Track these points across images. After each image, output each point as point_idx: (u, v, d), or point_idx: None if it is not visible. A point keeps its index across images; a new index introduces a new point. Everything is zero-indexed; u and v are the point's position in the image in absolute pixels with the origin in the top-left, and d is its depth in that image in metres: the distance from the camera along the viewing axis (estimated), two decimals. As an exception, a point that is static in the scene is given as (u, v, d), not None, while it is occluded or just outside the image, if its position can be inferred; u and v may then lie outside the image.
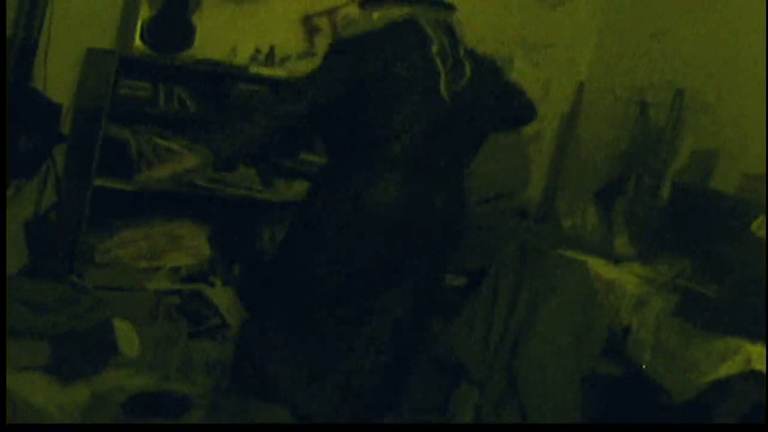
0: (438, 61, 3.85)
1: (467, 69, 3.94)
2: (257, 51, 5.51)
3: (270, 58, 5.47)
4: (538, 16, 6.29)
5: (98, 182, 4.90)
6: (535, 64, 6.32)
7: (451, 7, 4.05)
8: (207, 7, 5.30)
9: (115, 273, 4.82)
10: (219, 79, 5.31)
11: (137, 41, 5.03)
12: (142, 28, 5.02)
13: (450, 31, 3.97)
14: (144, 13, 5.03)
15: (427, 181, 3.86)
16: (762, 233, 4.15)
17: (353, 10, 4.01)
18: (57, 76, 5.12)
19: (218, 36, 5.46)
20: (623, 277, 4.31)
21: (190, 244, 5.03)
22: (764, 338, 3.75)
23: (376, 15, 3.90)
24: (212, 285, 4.95)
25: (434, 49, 3.85)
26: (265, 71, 5.33)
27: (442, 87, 3.84)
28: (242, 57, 5.49)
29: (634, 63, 5.96)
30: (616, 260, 4.53)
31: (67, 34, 5.12)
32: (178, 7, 5.09)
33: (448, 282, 4.95)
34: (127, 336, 4.40)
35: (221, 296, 4.86)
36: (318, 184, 4.00)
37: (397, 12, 3.87)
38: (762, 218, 4.18)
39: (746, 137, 5.07)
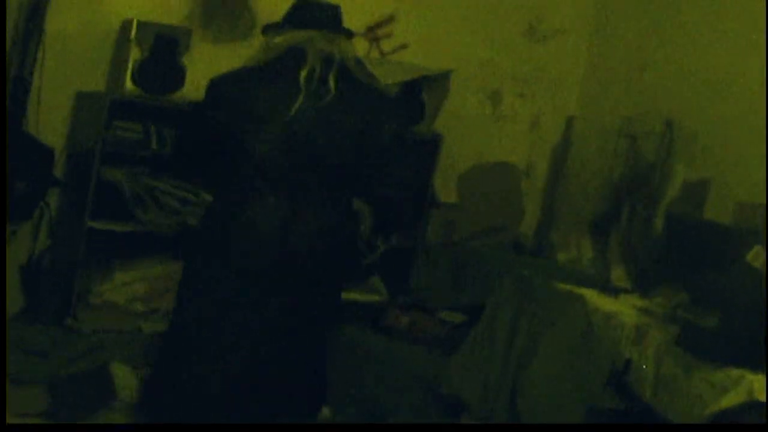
0: (302, 84, 3.89)
1: (331, 87, 3.93)
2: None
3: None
4: (525, 51, 6.33)
5: (93, 224, 4.90)
6: (524, 98, 6.36)
7: (348, 33, 4.09)
8: (197, 48, 5.32)
9: (112, 316, 4.81)
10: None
11: (128, 83, 5.05)
12: (133, 70, 5.04)
13: (330, 57, 3.97)
14: (135, 55, 5.05)
15: (300, 202, 3.91)
16: (758, 263, 4.16)
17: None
18: (49, 119, 5.14)
19: (209, 77, 5.45)
20: (622, 310, 4.29)
21: (186, 286, 5.01)
22: (759, 368, 3.75)
23: (276, 40, 3.97)
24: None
25: (303, 74, 3.90)
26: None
27: (293, 107, 3.87)
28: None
29: (622, 95, 6.00)
30: (614, 292, 4.52)
31: (58, 77, 5.13)
32: (168, 49, 5.11)
33: (445, 317, 4.98)
34: (124, 380, 4.37)
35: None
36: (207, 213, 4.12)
37: (295, 37, 3.94)
38: (758, 248, 4.18)
39: (738, 166, 5.10)
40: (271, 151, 3.86)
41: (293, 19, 3.99)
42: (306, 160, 3.89)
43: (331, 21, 4.02)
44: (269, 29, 4.07)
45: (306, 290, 3.94)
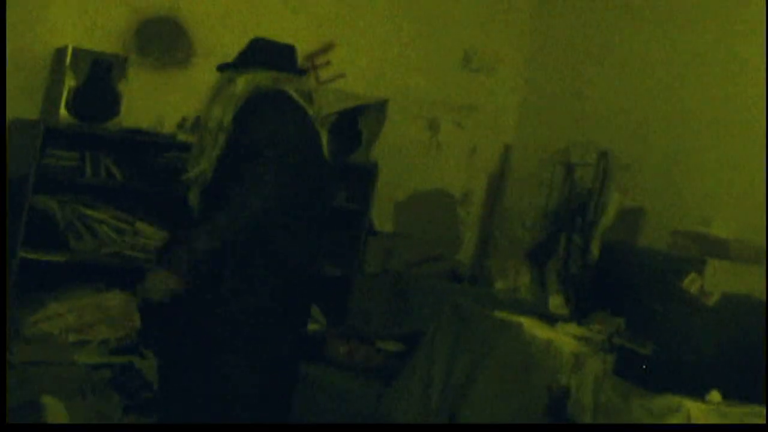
0: (317, 127, 3.99)
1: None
2: (183, 119, 5.48)
3: (196, 126, 5.44)
4: (462, 80, 6.38)
5: (24, 254, 4.81)
6: (460, 127, 6.40)
7: (303, 72, 4.17)
8: (132, 75, 5.27)
9: (44, 347, 4.71)
10: (146, 148, 5.26)
11: (63, 111, 4.99)
12: (67, 97, 4.98)
13: (310, 97, 4.06)
14: (70, 82, 4.99)
15: (314, 236, 3.99)
16: (694, 289, 4.21)
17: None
18: (-19, 147, 5.05)
19: (144, 104, 5.43)
20: (560, 338, 4.31)
21: (120, 316, 4.95)
22: (698, 393, 3.79)
23: (240, 82, 3.91)
24: (143, 357, 4.86)
25: (310, 114, 3.97)
26: (193, 139, 5.29)
27: (325, 150, 3.98)
28: (169, 125, 5.46)
29: (558, 125, 6.06)
30: (552, 320, 4.55)
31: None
32: (103, 77, 5.07)
33: (383, 346, 4.96)
34: (56, 413, 4.28)
35: (153, 368, 4.77)
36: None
37: (259, 78, 3.92)
38: (693, 274, 4.24)
39: (672, 194, 5.17)
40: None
41: (257, 59, 3.97)
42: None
43: (291, 61, 4.05)
44: (229, 66, 4.02)
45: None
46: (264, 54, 3.97)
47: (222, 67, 4.06)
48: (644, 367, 3.90)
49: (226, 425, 3.89)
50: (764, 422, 3.73)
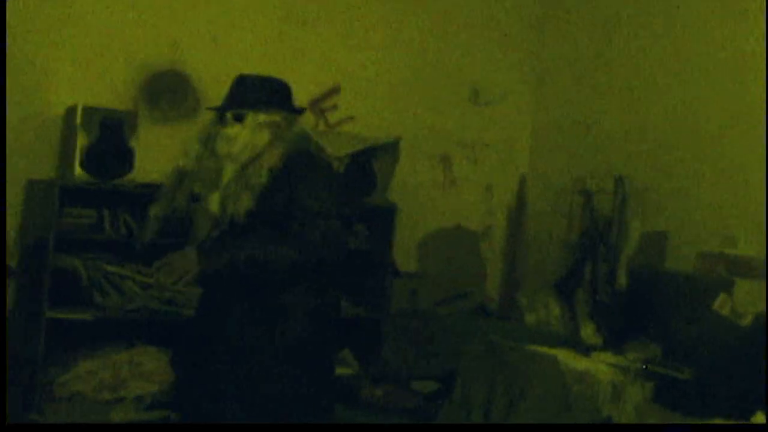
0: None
1: None
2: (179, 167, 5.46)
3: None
4: (471, 116, 6.39)
5: (51, 314, 4.79)
6: (474, 162, 6.40)
7: (302, 111, 4.03)
8: (143, 130, 5.27)
9: (77, 407, 4.67)
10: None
11: (77, 169, 4.98)
12: (81, 155, 4.97)
13: (309, 138, 4.06)
14: (82, 140, 4.99)
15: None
16: (725, 311, 4.21)
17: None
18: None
19: (156, 158, 5.40)
20: (595, 367, 4.30)
21: (152, 370, 4.91)
22: (742, 417, 3.77)
23: (264, 134, 3.81)
24: (181, 410, 4.81)
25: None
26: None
27: None
28: (184, 177, 5.45)
29: (572, 153, 6.07)
30: (586, 350, 4.53)
31: (7, 167, 5.03)
32: (114, 133, 5.07)
33: (418, 387, 4.92)
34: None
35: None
36: None
37: (284, 132, 3.84)
38: (723, 295, 4.23)
39: (694, 215, 5.16)
40: None
41: (257, 99, 3.84)
42: None
43: (288, 99, 3.94)
44: (234, 108, 3.85)
45: None
46: (262, 93, 3.84)
47: (219, 109, 3.91)
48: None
49: (226, 425, 3.82)
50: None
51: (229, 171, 3.80)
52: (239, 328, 3.75)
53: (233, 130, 3.78)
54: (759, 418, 3.77)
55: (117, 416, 4.67)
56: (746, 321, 4.14)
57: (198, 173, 3.92)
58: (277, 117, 3.80)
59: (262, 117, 3.79)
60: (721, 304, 4.25)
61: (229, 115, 3.83)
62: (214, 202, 3.83)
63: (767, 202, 4.75)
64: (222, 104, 3.89)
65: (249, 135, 3.78)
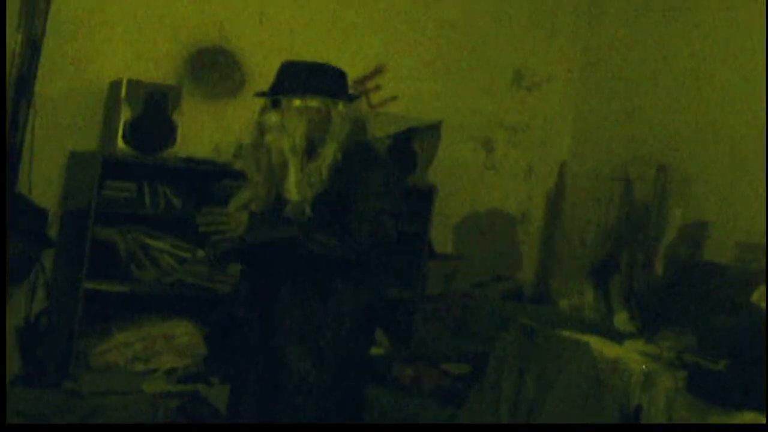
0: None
1: None
2: (240, 147, 5.50)
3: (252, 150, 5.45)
4: (514, 99, 6.36)
5: (89, 285, 4.85)
6: (515, 146, 6.37)
7: (355, 97, 4.01)
8: (188, 105, 5.32)
9: (112, 377, 4.73)
10: (203, 177, 5.29)
11: (120, 142, 5.02)
12: (124, 129, 5.01)
13: (364, 125, 4.00)
14: (125, 114, 5.03)
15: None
16: (764, 303, 4.16)
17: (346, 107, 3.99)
18: (42, 180, 5.12)
19: (199, 133, 5.48)
20: (628, 356, 4.26)
21: (186, 344, 4.96)
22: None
23: (298, 120, 3.74)
24: (210, 384, 4.86)
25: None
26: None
27: None
28: (225, 153, 5.48)
29: (613, 140, 6.01)
30: (619, 338, 4.50)
31: (50, 138, 5.12)
32: (158, 107, 5.11)
33: (449, 369, 4.93)
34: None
35: (220, 396, 4.78)
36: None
37: (331, 119, 3.76)
38: (762, 288, 4.18)
39: (735, 206, 5.11)
40: None
41: (309, 85, 3.78)
42: None
43: (342, 87, 3.88)
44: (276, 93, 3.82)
45: None
46: (299, 79, 3.77)
47: (267, 95, 3.86)
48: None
49: (226, 425, 3.90)
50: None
51: (292, 166, 3.73)
52: (284, 309, 3.75)
53: (269, 116, 3.74)
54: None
55: (148, 387, 4.73)
56: (785, 314, 4.09)
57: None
58: (314, 103, 3.72)
59: (297, 102, 3.71)
60: (760, 297, 4.20)
61: (269, 101, 3.80)
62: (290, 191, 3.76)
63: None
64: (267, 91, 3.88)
65: (283, 121, 3.71)
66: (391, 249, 3.91)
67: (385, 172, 3.79)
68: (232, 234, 3.63)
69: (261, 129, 3.78)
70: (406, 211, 5.59)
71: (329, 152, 3.71)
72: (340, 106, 3.76)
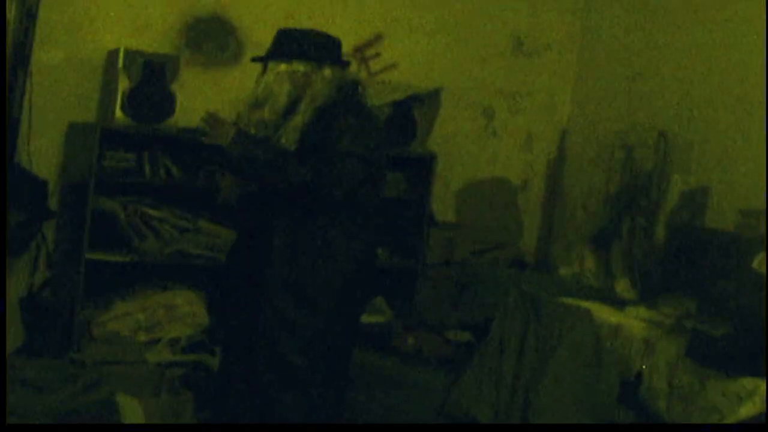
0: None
1: None
2: (238, 115, 5.48)
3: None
4: (515, 67, 6.33)
5: (90, 256, 4.86)
6: (516, 113, 6.35)
7: (347, 63, 4.34)
8: (185, 75, 5.30)
9: (114, 347, 4.74)
10: (203, 146, 5.27)
11: (118, 113, 5.00)
12: (122, 99, 4.99)
13: (357, 87, 4.26)
14: (123, 84, 5.00)
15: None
16: (764, 269, 4.15)
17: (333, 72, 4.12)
18: (41, 152, 5.11)
19: (198, 103, 5.42)
20: (629, 322, 4.28)
21: (188, 313, 4.97)
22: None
23: (284, 83, 4.04)
24: (213, 354, 4.87)
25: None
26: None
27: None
28: (224, 122, 5.46)
29: (614, 107, 5.99)
30: (620, 304, 4.51)
31: (48, 110, 5.11)
32: (156, 77, 5.08)
33: (451, 337, 4.94)
34: (132, 411, 4.31)
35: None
36: None
37: (317, 82, 4.05)
38: (763, 254, 4.17)
39: (737, 173, 5.09)
40: None
41: (299, 50, 4.07)
42: None
43: (333, 52, 4.15)
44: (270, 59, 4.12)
45: None
46: (287, 45, 4.08)
47: (262, 59, 4.15)
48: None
49: (228, 425, 4.03)
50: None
51: (267, 113, 4.07)
52: (277, 256, 3.97)
53: (260, 80, 4.11)
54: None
55: (152, 357, 4.74)
56: (786, 280, 4.09)
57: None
58: (300, 67, 4.04)
59: (283, 67, 4.04)
60: (760, 263, 4.20)
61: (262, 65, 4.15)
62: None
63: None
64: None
65: (269, 83, 4.06)
66: (384, 211, 4.21)
67: (365, 120, 4.05)
68: (217, 142, 4.01)
69: (255, 92, 4.11)
70: (406, 180, 5.68)
71: (304, 112, 4.02)
72: (326, 71, 4.07)
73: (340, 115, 3.97)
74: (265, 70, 4.10)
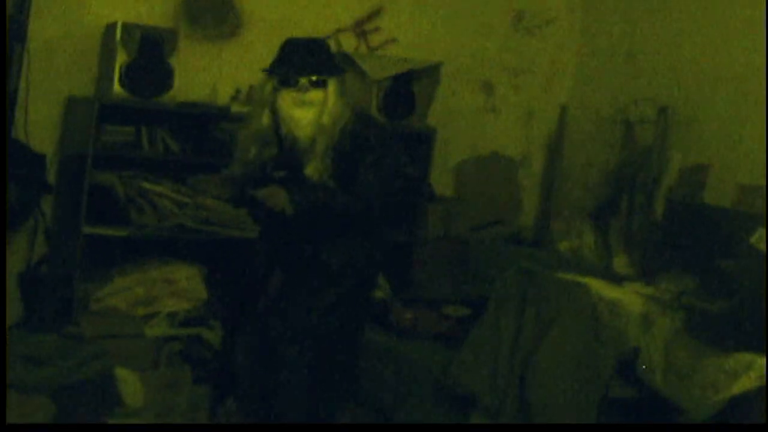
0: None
1: None
2: (237, 90, 5.48)
3: (250, 97, 5.43)
4: (515, 42, 6.31)
5: (88, 230, 4.85)
6: (516, 89, 6.34)
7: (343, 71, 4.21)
8: (184, 49, 5.25)
9: (113, 321, 4.75)
10: (201, 120, 5.27)
11: (116, 87, 4.98)
12: (120, 73, 4.97)
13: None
14: (121, 58, 4.97)
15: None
16: (762, 245, 4.15)
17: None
18: (39, 126, 5.09)
19: (197, 77, 5.43)
20: (627, 298, 4.27)
21: (186, 288, 4.97)
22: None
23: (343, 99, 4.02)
24: (211, 328, 4.88)
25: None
26: (247, 110, 5.28)
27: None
28: (222, 96, 5.46)
29: (614, 83, 5.99)
30: (618, 280, 4.51)
31: (45, 83, 5.08)
32: (154, 51, 5.05)
33: (449, 312, 4.94)
34: (130, 385, 4.33)
35: (220, 338, 4.81)
36: None
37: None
38: (761, 230, 4.17)
39: (735, 150, 5.09)
40: None
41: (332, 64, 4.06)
42: None
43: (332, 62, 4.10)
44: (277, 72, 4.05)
45: None
46: (326, 58, 4.03)
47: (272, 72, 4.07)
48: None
49: (230, 425, 4.14)
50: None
51: (321, 142, 4.00)
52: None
53: (313, 95, 3.95)
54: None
55: (150, 331, 4.75)
56: (784, 256, 4.09)
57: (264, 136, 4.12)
58: (342, 81, 4.03)
59: (337, 82, 4.00)
60: (758, 239, 4.20)
61: (304, 80, 3.95)
62: (311, 169, 4.02)
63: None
64: (286, 69, 4.00)
65: (334, 101, 3.97)
66: (393, 197, 4.21)
67: (383, 134, 4.11)
68: (279, 210, 3.93)
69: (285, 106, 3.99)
70: (406, 154, 5.66)
71: (331, 136, 3.99)
72: (335, 85, 4.01)
73: (359, 135, 4.01)
74: (313, 84, 3.96)
